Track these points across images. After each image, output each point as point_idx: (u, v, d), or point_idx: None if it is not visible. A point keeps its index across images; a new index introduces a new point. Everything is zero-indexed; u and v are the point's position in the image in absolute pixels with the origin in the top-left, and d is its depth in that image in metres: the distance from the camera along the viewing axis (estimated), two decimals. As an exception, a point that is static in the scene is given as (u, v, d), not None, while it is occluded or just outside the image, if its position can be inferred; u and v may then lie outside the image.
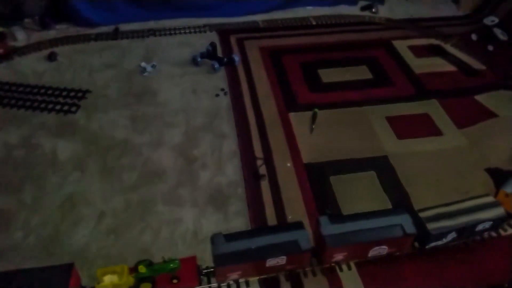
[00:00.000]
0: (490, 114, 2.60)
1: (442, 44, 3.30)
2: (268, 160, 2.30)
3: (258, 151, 2.36)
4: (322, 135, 2.46)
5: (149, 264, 1.61)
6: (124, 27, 3.47)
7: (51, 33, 3.40)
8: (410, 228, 1.73)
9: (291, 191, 2.12)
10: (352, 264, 1.79)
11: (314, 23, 3.62)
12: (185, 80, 2.90)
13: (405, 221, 1.74)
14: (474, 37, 3.32)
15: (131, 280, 1.59)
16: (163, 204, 2.06)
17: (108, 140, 2.41)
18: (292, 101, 2.72)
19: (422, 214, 1.79)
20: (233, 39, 3.36)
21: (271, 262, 1.67)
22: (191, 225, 1.95)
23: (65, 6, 3.39)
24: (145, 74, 2.93)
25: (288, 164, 2.27)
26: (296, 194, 2.11)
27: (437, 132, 2.49)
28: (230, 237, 1.67)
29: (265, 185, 2.16)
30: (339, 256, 1.74)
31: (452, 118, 2.58)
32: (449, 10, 3.82)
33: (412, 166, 2.27)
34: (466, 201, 1.86)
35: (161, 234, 1.92)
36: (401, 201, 2.05)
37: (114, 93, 2.76)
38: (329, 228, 1.71)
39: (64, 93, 2.73)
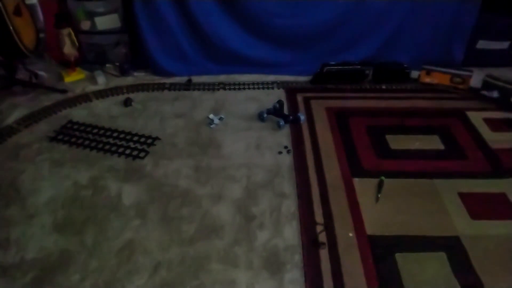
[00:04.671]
0: None
1: (521, 119, 3.11)
2: (329, 227, 2.21)
3: (319, 216, 2.27)
4: (388, 206, 2.33)
5: None
6: (197, 79, 3.63)
7: (129, 80, 3.62)
8: None
9: (352, 264, 2.00)
10: None
11: (383, 87, 3.57)
12: (249, 135, 2.92)
13: None
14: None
15: None
16: (217, 262, 2.02)
17: (171, 189, 2.44)
18: (357, 166, 2.64)
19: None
20: (299, 97, 3.39)
21: None
22: (245, 290, 1.89)
23: (144, 55, 3.63)
24: (212, 126, 3.00)
25: (350, 234, 2.16)
26: (357, 268, 1.97)
27: (515, 216, 2.29)
28: None
29: (324, 254, 2.05)
30: None
31: (532, 202, 2.37)
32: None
33: (487, 251, 2.07)
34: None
35: (213, 295, 1.87)
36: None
37: (182, 142, 2.84)
38: None
39: (135, 138, 2.85)
